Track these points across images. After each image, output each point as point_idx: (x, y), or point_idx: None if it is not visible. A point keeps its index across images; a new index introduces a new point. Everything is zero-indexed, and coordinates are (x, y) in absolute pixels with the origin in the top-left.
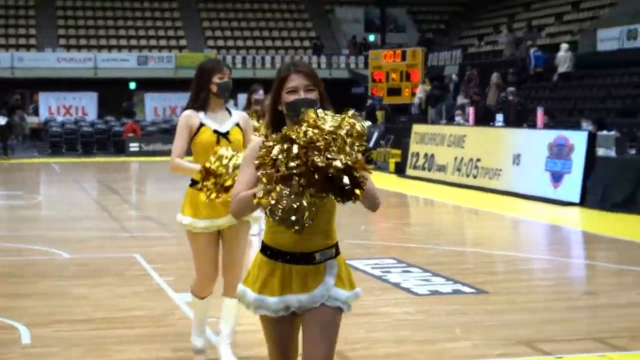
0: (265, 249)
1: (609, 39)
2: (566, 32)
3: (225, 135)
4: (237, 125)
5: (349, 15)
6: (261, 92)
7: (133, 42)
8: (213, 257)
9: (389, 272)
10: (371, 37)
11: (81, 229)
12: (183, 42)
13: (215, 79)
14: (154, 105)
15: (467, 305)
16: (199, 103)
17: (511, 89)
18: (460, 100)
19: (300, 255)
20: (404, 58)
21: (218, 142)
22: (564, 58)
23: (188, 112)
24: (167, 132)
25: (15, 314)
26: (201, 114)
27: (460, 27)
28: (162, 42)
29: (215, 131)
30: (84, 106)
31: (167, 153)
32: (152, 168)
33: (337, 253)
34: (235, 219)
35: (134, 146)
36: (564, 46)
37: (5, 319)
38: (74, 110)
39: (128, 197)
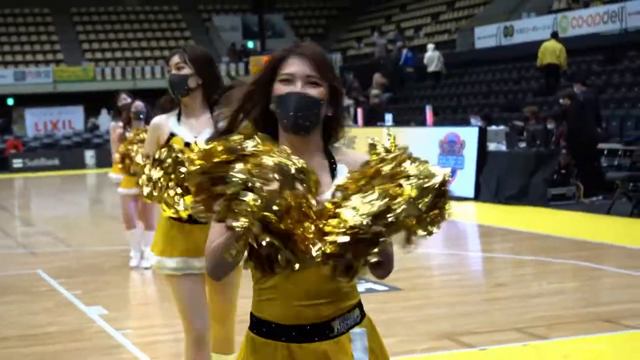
0: (257, 326)
1: (486, 36)
2: (443, 32)
3: None
4: None
5: (227, 22)
6: (125, 96)
7: (8, 57)
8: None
9: (371, 291)
10: (250, 44)
11: None
12: (60, 56)
13: (172, 70)
14: (34, 121)
15: (384, 302)
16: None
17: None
18: (345, 102)
19: (311, 327)
20: None
21: None
22: (431, 58)
23: (156, 119)
24: (50, 147)
25: None
26: (172, 120)
27: (338, 31)
28: (39, 57)
29: (187, 144)
30: None
31: (51, 168)
32: (38, 184)
33: (363, 315)
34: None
35: (17, 162)
36: (431, 46)
37: None
38: None
39: (19, 213)
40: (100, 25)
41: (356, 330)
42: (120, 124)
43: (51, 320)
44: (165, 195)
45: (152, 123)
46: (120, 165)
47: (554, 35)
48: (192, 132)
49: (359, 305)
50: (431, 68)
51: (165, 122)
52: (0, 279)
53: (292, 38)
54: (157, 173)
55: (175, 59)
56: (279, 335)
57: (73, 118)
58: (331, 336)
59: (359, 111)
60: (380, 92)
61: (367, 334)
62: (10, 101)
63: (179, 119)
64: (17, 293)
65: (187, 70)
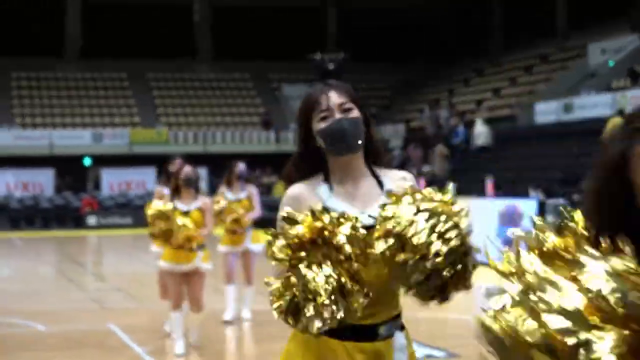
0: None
1: (546, 112)
2: (504, 106)
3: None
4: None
5: (295, 92)
6: (180, 162)
7: (87, 119)
8: None
9: None
10: None
11: (52, 302)
12: (136, 119)
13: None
14: (110, 181)
15: None
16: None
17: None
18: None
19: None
20: None
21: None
22: (479, 132)
23: (294, 188)
24: (123, 207)
25: None
26: (321, 190)
27: (402, 102)
28: (116, 119)
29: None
30: (41, 182)
31: (124, 226)
32: (111, 241)
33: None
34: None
35: (92, 220)
36: (479, 121)
37: None
38: (31, 187)
39: (92, 269)
40: (175, 91)
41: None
42: (165, 189)
43: None
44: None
45: (290, 195)
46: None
47: (620, 113)
48: (355, 205)
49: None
50: (479, 142)
51: (309, 192)
52: (73, 333)
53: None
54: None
55: (335, 97)
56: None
57: (146, 179)
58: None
59: (422, 182)
60: (442, 163)
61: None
62: (87, 161)
63: (331, 187)
64: (89, 347)
65: (357, 113)
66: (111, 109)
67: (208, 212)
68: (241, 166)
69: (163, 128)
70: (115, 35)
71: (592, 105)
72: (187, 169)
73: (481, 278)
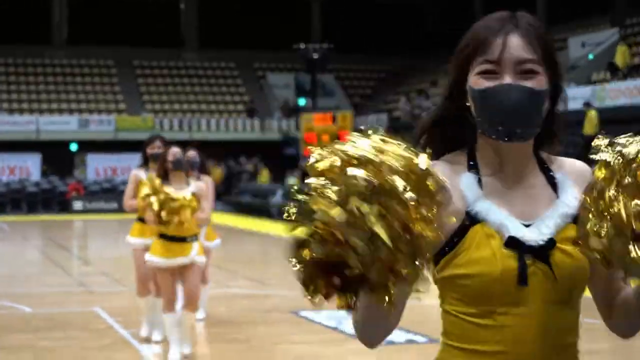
0: None
1: None
2: None
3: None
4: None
5: (280, 80)
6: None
7: (74, 105)
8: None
9: (343, 323)
10: (302, 101)
11: (39, 285)
12: (122, 106)
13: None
14: (95, 166)
15: (424, 354)
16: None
17: None
18: None
19: None
20: (334, 121)
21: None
22: None
23: (135, 170)
24: (109, 191)
25: None
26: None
27: (387, 92)
28: (102, 106)
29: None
30: (28, 167)
31: (110, 211)
32: (97, 225)
33: None
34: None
35: (77, 205)
36: None
37: None
38: (17, 171)
39: (78, 253)
40: (160, 78)
41: None
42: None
43: (108, 357)
44: None
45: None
46: None
47: (588, 105)
48: (514, 213)
49: None
50: None
51: (451, 181)
52: (59, 316)
53: (342, 97)
54: None
55: (517, 46)
56: None
57: (132, 165)
58: None
59: None
60: None
61: None
62: (73, 146)
63: (479, 180)
64: (75, 329)
65: (543, 81)
66: (97, 95)
67: (204, 196)
68: (192, 154)
69: (149, 115)
70: (102, 23)
71: (572, 97)
72: (175, 149)
73: None
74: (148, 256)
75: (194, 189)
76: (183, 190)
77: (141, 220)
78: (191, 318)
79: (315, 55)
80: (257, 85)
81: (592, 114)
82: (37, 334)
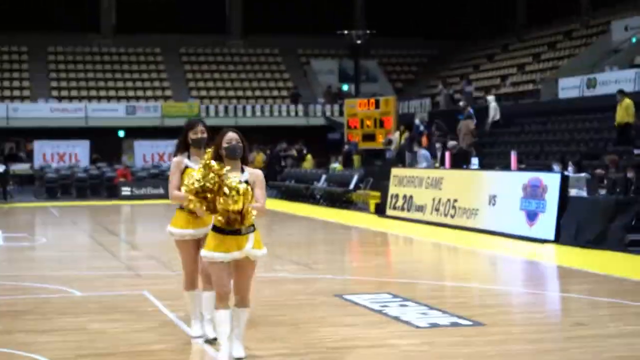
0: None
1: (570, 87)
2: (528, 82)
3: None
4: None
5: (324, 66)
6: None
7: (121, 92)
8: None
9: (386, 306)
10: (345, 87)
11: (88, 268)
12: (168, 93)
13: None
14: (142, 152)
15: (467, 336)
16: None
17: (452, 143)
18: (419, 150)
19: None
20: (377, 106)
21: None
22: (493, 109)
23: (177, 157)
24: (156, 177)
25: (39, 348)
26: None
27: (428, 77)
28: (149, 93)
29: None
30: (77, 153)
31: (157, 196)
32: (144, 211)
33: None
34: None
35: (125, 190)
36: (491, 97)
37: (30, 354)
38: (67, 157)
39: (127, 237)
40: (206, 65)
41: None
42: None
43: (156, 339)
44: None
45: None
46: None
47: (622, 93)
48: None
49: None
50: (495, 118)
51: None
52: (108, 299)
53: (385, 83)
54: None
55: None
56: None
57: None
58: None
59: (447, 155)
60: (469, 137)
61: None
62: (121, 133)
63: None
64: (123, 312)
65: None
66: (144, 82)
67: (260, 185)
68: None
69: (195, 101)
70: (149, 11)
71: (615, 81)
72: (231, 134)
73: (497, 247)
74: (203, 252)
75: (248, 177)
76: (236, 178)
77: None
78: (243, 315)
79: (359, 41)
80: (301, 71)
81: (627, 102)
82: (87, 317)
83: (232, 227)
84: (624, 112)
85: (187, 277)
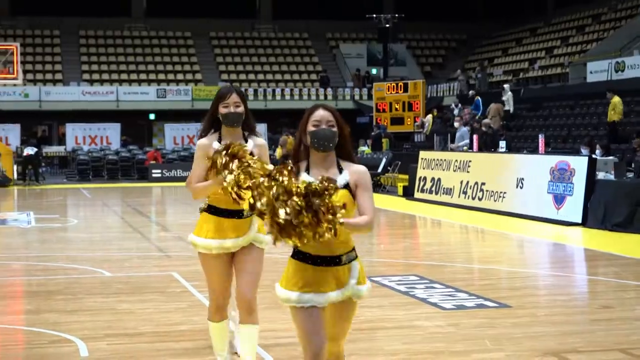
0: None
1: (598, 70)
2: (556, 65)
3: None
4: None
5: (353, 50)
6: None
7: (152, 76)
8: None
9: (414, 288)
10: (374, 71)
11: (118, 249)
12: (198, 76)
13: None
14: (173, 135)
15: (493, 318)
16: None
17: (486, 120)
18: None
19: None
20: (406, 90)
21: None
22: (508, 98)
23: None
24: (186, 159)
25: (69, 328)
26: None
27: (457, 61)
28: (179, 76)
29: None
30: (108, 136)
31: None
32: (174, 192)
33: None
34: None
35: (156, 172)
36: (507, 86)
37: (60, 333)
38: (98, 140)
39: (157, 219)
40: (236, 49)
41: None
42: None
43: (184, 319)
44: None
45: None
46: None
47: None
48: None
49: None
50: (509, 108)
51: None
52: (137, 279)
53: (414, 66)
54: None
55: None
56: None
57: None
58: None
59: (475, 137)
60: (497, 120)
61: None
62: (152, 116)
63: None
64: (153, 292)
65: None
66: (175, 66)
67: (365, 187)
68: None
69: (225, 85)
70: None
71: None
72: (321, 112)
73: (524, 230)
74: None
75: (348, 178)
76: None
77: (213, 209)
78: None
79: (387, 25)
80: (330, 55)
81: (616, 100)
82: (117, 297)
83: (333, 253)
84: (612, 111)
85: (214, 302)
